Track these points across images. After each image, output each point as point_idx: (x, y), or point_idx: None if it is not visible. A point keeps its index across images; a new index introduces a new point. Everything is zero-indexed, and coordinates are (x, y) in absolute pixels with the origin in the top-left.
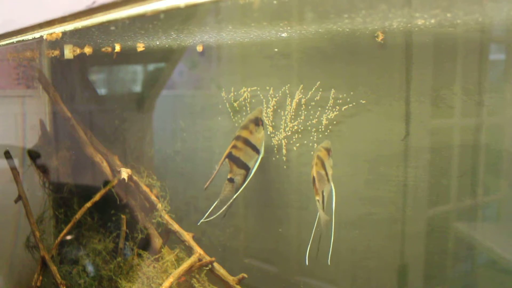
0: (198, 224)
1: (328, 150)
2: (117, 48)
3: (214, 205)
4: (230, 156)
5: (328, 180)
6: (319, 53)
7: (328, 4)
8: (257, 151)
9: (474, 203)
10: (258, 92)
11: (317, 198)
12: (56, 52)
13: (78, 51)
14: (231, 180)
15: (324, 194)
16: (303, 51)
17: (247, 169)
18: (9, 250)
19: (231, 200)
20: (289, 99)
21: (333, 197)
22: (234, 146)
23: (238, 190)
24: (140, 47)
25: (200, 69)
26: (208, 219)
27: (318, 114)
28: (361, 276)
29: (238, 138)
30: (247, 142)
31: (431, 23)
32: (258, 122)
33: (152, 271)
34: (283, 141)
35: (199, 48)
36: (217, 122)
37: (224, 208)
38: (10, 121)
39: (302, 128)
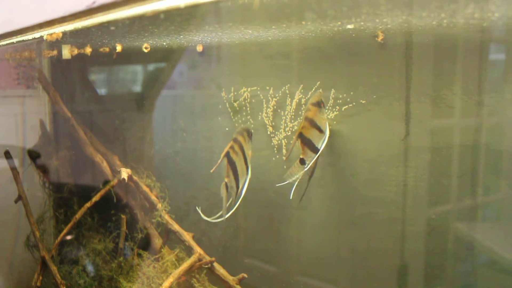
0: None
1: (318, 105)
2: (118, 48)
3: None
4: (227, 156)
5: (321, 130)
6: (319, 53)
7: (328, 3)
8: (247, 168)
9: (474, 203)
10: (258, 92)
11: (301, 156)
12: (55, 52)
13: (76, 51)
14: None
15: (316, 143)
16: (303, 51)
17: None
18: (9, 250)
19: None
20: (289, 99)
21: (324, 142)
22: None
23: (238, 198)
24: (145, 47)
25: (200, 69)
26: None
27: None
28: (361, 276)
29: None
30: (242, 148)
31: (431, 23)
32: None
33: (152, 271)
34: (283, 141)
35: (199, 48)
36: (217, 122)
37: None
38: (10, 121)
39: None
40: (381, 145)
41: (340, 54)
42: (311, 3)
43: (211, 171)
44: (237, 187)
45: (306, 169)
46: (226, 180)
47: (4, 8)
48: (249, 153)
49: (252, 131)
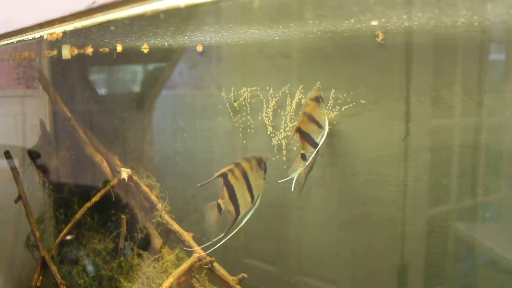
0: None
1: (317, 99)
2: (118, 48)
3: None
4: (224, 178)
5: (319, 125)
6: (319, 53)
7: (328, 3)
8: (252, 197)
9: (474, 203)
10: (258, 92)
11: (302, 151)
12: (55, 52)
13: (76, 51)
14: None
15: (315, 138)
16: (303, 51)
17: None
18: (9, 250)
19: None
20: (289, 99)
21: (323, 136)
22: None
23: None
24: (145, 48)
25: (200, 69)
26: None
27: None
28: (361, 276)
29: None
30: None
31: (431, 23)
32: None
33: (152, 271)
34: (283, 141)
35: (199, 48)
36: (217, 122)
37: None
38: (10, 121)
39: None
40: (381, 145)
41: (340, 54)
42: (311, 2)
43: (199, 185)
44: (237, 213)
45: (306, 164)
46: (219, 201)
47: (4, 8)
48: (257, 182)
49: (266, 160)
